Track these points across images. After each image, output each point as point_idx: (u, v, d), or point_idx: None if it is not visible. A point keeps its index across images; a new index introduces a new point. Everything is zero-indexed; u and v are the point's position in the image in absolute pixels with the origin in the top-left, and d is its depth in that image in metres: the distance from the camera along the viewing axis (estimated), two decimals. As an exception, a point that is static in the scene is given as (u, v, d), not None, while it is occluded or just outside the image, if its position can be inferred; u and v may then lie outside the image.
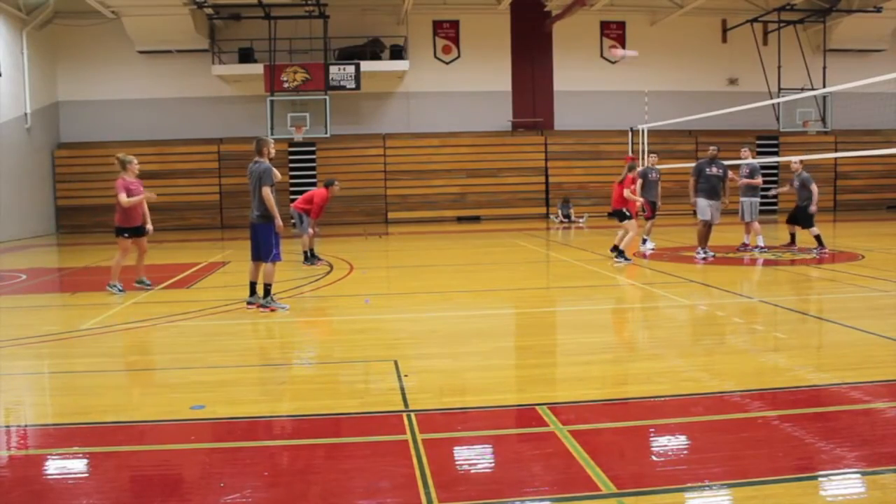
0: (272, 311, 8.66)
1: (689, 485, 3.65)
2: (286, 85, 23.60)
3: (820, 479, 3.78)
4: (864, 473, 3.80)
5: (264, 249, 8.69)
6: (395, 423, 4.66)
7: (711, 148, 13.47)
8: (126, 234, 10.27)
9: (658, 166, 15.35)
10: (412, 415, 4.78)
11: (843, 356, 6.42)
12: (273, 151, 8.87)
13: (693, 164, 14.47)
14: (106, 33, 24.06)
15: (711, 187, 13.15)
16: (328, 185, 13.12)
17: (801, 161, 14.49)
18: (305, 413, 4.92)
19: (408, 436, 4.41)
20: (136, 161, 10.39)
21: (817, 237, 13.66)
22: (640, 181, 14.17)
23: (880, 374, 5.64)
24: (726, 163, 13.85)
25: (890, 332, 7.07)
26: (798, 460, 4.01)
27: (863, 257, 13.09)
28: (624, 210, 12.84)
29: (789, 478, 3.75)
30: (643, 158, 17.63)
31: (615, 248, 13.00)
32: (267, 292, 8.76)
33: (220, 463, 4.12)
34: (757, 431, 4.48)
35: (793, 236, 14.55)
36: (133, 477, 3.97)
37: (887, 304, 8.95)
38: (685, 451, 4.28)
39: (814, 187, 13.89)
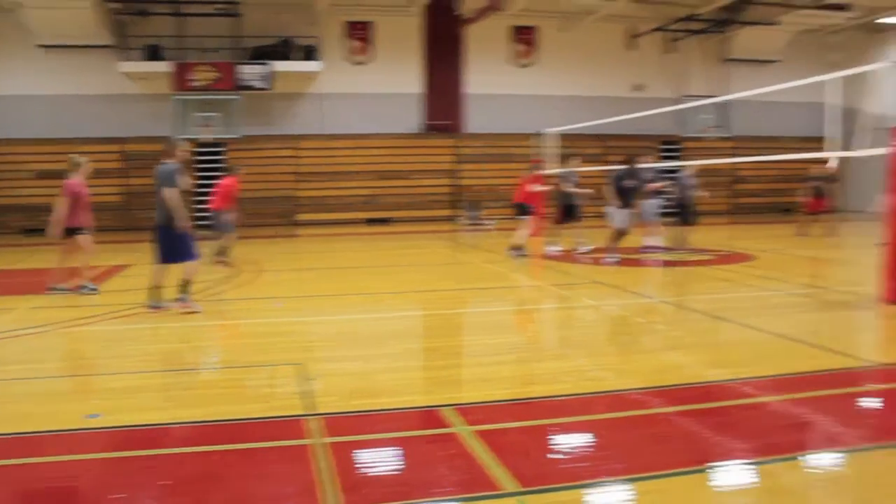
0: (187, 309, 8.55)
1: (590, 481, 3.76)
2: (195, 84, 23.06)
3: (715, 470, 3.93)
4: (755, 463, 3.99)
5: (181, 250, 8.55)
6: (301, 427, 4.64)
7: (639, 158, 13.88)
8: (84, 232, 10.00)
9: (576, 169, 15.55)
10: (318, 418, 4.76)
11: (737, 353, 6.70)
12: (185, 154, 8.71)
13: (603, 169, 14.82)
14: (4, 26, 23.05)
15: (627, 196, 13.38)
16: (233, 171, 13.15)
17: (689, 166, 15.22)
18: (209, 419, 4.84)
19: (313, 439, 4.39)
20: (87, 162, 10.09)
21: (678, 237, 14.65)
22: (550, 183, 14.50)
23: (770, 369, 5.91)
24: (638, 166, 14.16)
25: (779, 329, 7.41)
26: (695, 454, 4.17)
27: (756, 258, 13.66)
28: (525, 205, 13.84)
29: (686, 470, 3.90)
30: (561, 162, 17.32)
31: (515, 246, 13.89)
32: (185, 289, 8.63)
33: (119, 473, 4.02)
34: (656, 427, 4.64)
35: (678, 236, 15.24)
36: (21, 492, 3.84)
37: (777, 303, 9.37)
38: (587, 449, 4.39)
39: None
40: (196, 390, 5.68)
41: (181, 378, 6.11)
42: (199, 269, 8.95)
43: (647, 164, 14.72)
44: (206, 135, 22.87)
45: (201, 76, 23.08)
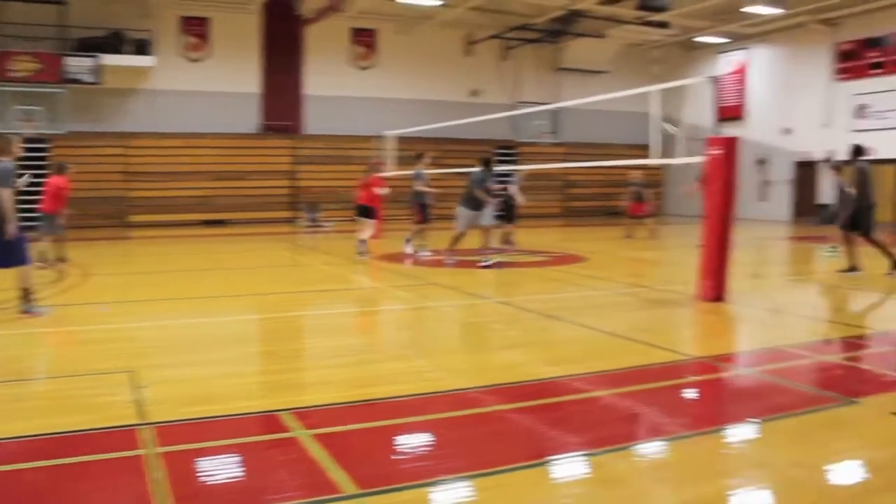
0: (35, 315, 8.09)
1: (430, 479, 3.78)
2: (14, 74, 21.46)
3: (551, 463, 4.06)
4: (588, 455, 4.15)
5: (17, 254, 8.03)
6: (133, 437, 4.40)
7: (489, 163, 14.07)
8: None
9: (426, 171, 15.73)
10: (150, 427, 4.54)
11: (569, 350, 6.98)
12: (20, 150, 8.19)
13: (442, 172, 15.04)
14: None
15: (472, 198, 13.28)
16: (61, 169, 12.40)
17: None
18: (35, 433, 4.48)
19: (145, 450, 4.18)
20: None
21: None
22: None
23: (600, 365, 6.18)
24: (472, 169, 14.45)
25: (607, 327, 7.77)
26: (530, 449, 4.29)
27: (587, 259, 14.29)
28: (368, 207, 14.46)
29: (523, 465, 4.00)
30: (413, 162, 17.12)
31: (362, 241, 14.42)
32: (28, 298, 8.15)
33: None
34: (493, 425, 4.73)
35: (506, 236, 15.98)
36: None
37: (606, 302, 9.84)
38: (427, 448, 4.43)
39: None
40: (20, 403, 5.26)
41: (2, 390, 5.65)
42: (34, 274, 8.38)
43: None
44: (28, 130, 21.29)
45: (21, 66, 21.53)
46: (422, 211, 14.88)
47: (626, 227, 19.68)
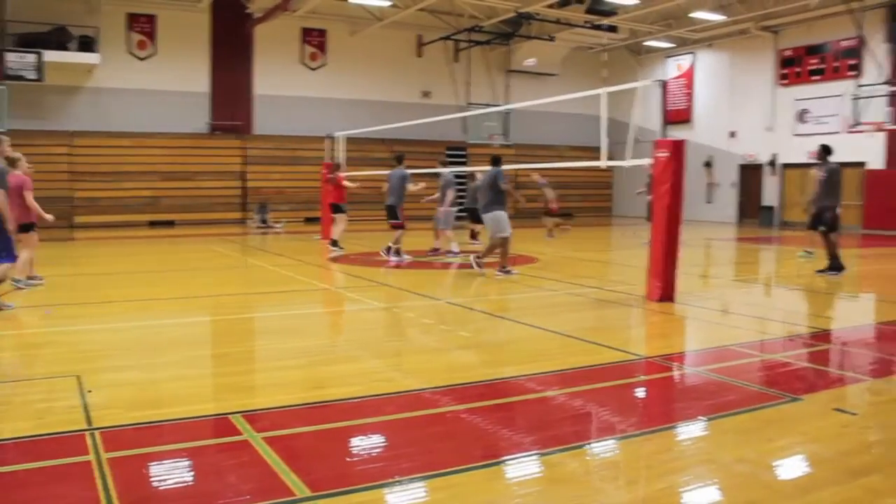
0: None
1: (382, 482, 3.77)
2: (-50, 70, 20.86)
3: (502, 464, 4.08)
4: (539, 455, 4.18)
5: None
6: (77, 443, 4.30)
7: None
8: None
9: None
10: (96, 433, 4.44)
11: (521, 350, 7.03)
12: (8, 150, 8.28)
13: (387, 172, 15.04)
14: None
15: (498, 198, 12.73)
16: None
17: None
18: (-32, 440, 4.38)
19: (91, 456, 4.09)
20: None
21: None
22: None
23: (551, 365, 6.24)
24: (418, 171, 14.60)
25: (558, 327, 7.84)
26: (483, 449, 4.31)
27: (538, 260, 14.40)
28: (339, 204, 15.89)
29: (475, 466, 4.01)
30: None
31: (333, 241, 15.63)
32: None
33: None
34: (446, 425, 4.74)
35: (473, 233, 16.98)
36: None
37: (556, 302, 9.93)
38: (380, 449, 4.41)
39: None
40: (-50, 409, 5.12)
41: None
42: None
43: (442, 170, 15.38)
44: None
45: (-41, 62, 20.92)
46: (398, 215, 14.57)
47: (547, 228, 20.13)
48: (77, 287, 11.40)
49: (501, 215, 11.93)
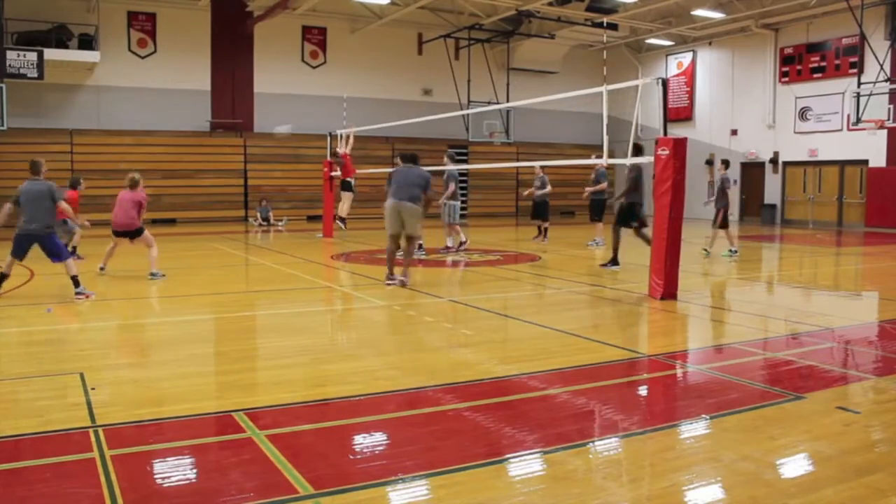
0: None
1: (384, 479, 3.76)
2: (-51, 68, 20.81)
3: (504, 462, 4.07)
4: (541, 452, 4.17)
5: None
6: (81, 440, 4.30)
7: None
8: None
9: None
10: (99, 430, 4.44)
11: (523, 349, 7.03)
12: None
13: (391, 170, 15.07)
14: None
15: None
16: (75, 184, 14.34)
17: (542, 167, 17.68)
18: (-25, 438, 4.37)
19: (94, 453, 4.08)
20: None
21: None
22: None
23: (554, 363, 6.23)
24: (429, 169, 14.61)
25: (560, 325, 7.83)
26: (485, 447, 4.30)
27: (541, 258, 14.39)
28: (349, 181, 17.81)
29: (477, 464, 4.00)
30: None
31: (341, 218, 17.78)
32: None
33: None
34: (448, 423, 4.73)
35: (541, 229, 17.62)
36: None
37: (558, 300, 9.92)
38: (381, 448, 4.40)
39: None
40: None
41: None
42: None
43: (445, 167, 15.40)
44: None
45: (-42, 60, 20.87)
46: None
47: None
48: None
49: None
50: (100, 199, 24.16)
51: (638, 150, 12.20)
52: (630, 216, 12.46)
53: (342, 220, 18.13)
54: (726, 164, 15.59)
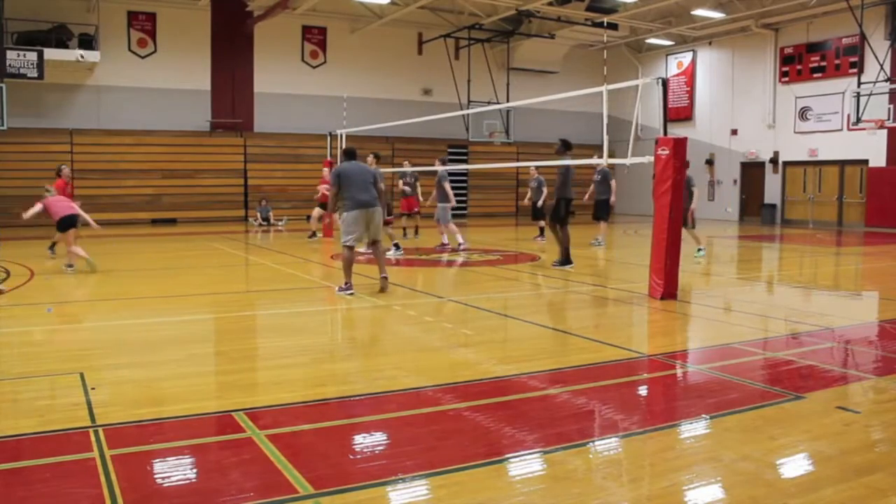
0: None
1: (384, 479, 3.76)
2: (-51, 68, 20.82)
3: (504, 462, 4.06)
4: (541, 452, 4.17)
5: None
6: (81, 440, 4.30)
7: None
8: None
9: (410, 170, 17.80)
10: (99, 430, 4.44)
11: (522, 349, 7.02)
12: None
13: (393, 170, 15.13)
14: None
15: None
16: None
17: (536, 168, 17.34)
18: (-25, 438, 4.37)
19: (95, 453, 4.09)
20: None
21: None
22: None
23: (552, 363, 6.23)
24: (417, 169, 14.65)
25: (559, 325, 7.84)
26: (485, 447, 4.30)
27: (539, 258, 14.39)
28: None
29: (477, 464, 4.00)
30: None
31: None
32: None
33: None
34: (448, 423, 4.73)
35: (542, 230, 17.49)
36: None
37: (558, 300, 9.92)
38: (381, 447, 4.40)
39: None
40: (-45, 407, 5.11)
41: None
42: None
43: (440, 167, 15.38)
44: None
45: (-42, 60, 20.87)
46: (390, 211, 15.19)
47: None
48: (79, 285, 11.40)
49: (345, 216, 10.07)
50: (101, 198, 24.22)
51: (567, 146, 12.36)
52: (560, 212, 12.52)
53: (313, 234, 18.34)
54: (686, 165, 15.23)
